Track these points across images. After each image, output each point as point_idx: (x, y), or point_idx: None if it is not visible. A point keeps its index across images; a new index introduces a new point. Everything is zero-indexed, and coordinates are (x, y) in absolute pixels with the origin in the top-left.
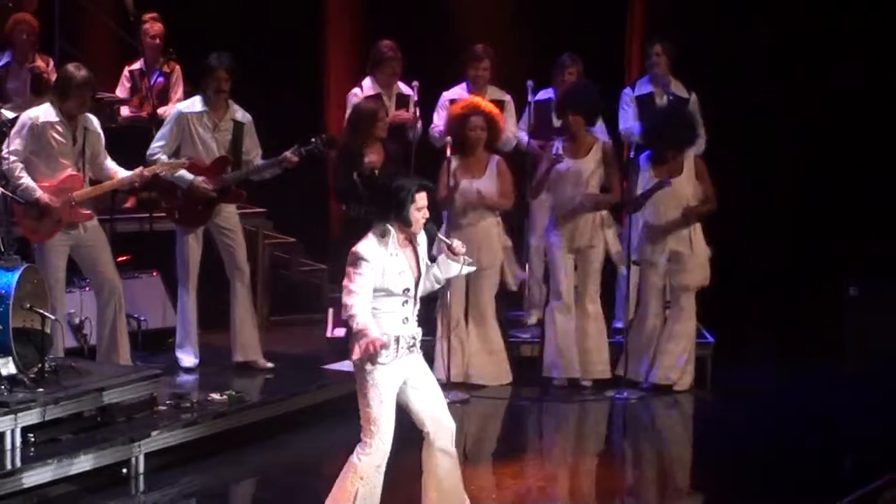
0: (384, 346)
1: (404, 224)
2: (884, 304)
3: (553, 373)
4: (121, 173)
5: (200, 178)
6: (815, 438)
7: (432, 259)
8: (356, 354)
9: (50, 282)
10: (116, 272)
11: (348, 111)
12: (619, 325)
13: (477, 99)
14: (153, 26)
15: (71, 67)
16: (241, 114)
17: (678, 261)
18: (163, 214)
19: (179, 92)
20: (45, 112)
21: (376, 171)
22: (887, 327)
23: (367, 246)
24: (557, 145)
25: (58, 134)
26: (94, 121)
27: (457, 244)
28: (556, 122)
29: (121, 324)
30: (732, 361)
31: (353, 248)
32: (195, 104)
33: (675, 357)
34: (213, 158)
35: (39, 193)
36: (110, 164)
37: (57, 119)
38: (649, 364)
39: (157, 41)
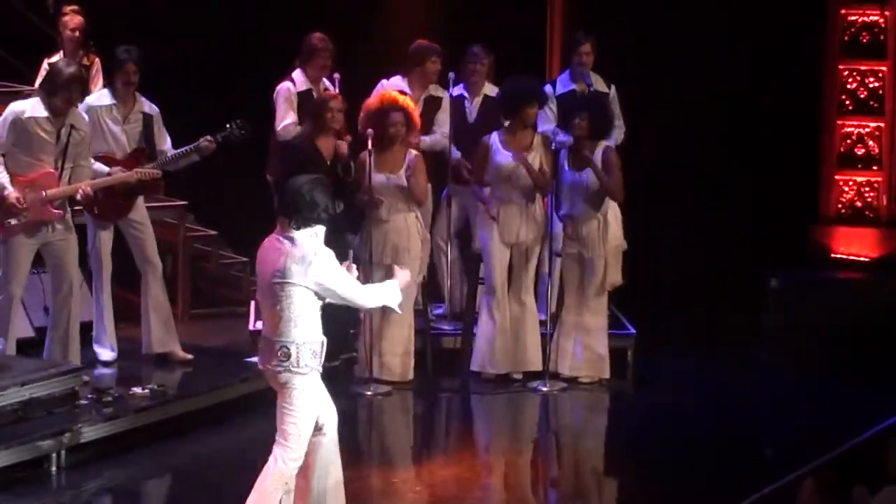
0: None
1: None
2: (804, 295)
3: (487, 367)
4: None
5: (117, 169)
6: (736, 429)
7: None
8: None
9: (8, 276)
10: (79, 273)
11: (282, 103)
12: (543, 316)
13: (395, 94)
14: (73, 19)
15: (61, 63)
16: (148, 106)
17: (590, 259)
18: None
19: (99, 85)
20: (32, 107)
21: (351, 165)
22: (808, 318)
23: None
24: (497, 138)
25: (42, 130)
26: (84, 119)
27: (352, 268)
28: (471, 118)
29: (73, 327)
30: (653, 352)
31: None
32: (103, 97)
33: (594, 350)
34: (124, 151)
35: (9, 191)
36: (89, 168)
37: (44, 115)
38: (569, 356)
39: (77, 34)
